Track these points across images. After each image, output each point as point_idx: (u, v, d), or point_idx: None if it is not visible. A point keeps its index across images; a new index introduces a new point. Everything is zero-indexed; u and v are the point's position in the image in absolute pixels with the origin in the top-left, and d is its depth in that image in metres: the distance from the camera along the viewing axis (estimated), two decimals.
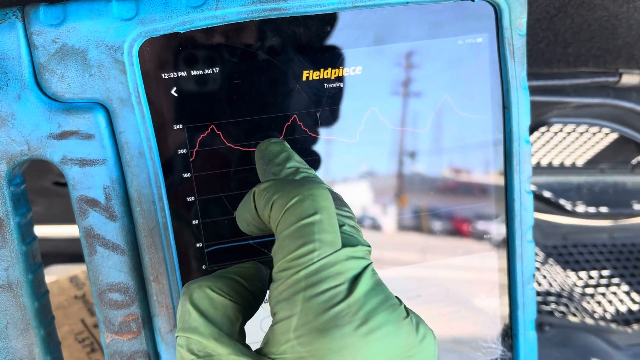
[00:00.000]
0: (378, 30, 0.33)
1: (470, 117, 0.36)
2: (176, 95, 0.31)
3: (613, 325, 0.60)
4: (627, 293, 0.67)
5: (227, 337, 0.23)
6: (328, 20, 0.32)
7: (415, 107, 0.35)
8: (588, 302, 0.64)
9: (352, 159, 0.34)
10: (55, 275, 0.61)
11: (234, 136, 0.32)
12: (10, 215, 0.30)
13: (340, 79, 0.33)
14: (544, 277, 0.68)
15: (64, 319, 0.55)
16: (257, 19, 0.30)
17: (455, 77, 0.35)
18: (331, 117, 0.33)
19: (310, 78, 0.32)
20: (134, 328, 0.32)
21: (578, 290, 0.67)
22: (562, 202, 0.75)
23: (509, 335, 0.39)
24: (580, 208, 0.76)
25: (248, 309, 0.25)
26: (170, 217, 0.32)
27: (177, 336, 0.23)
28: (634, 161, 0.75)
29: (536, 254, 0.72)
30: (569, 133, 0.69)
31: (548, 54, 0.52)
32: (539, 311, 0.60)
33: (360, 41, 0.33)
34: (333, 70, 0.33)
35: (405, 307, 0.23)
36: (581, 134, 0.70)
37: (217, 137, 0.32)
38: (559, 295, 0.64)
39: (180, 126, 0.31)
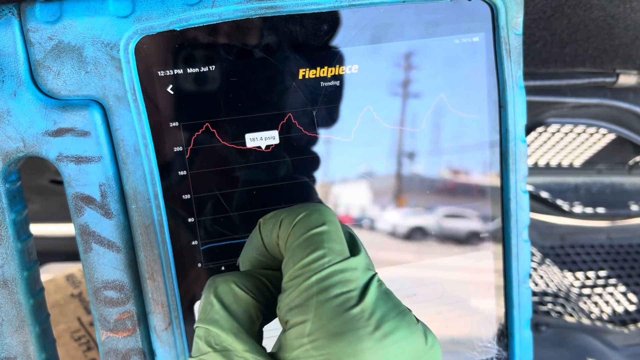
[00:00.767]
0: (374, 29, 0.33)
1: (466, 116, 0.36)
2: (172, 92, 0.31)
3: (610, 326, 0.60)
4: (624, 294, 0.67)
5: (245, 334, 0.23)
6: (325, 19, 0.32)
7: (411, 106, 0.35)
8: (585, 303, 0.65)
9: (347, 158, 0.34)
10: (51, 273, 0.61)
11: (229, 134, 0.32)
12: (6, 212, 0.30)
13: (336, 77, 0.33)
14: (541, 277, 0.68)
15: (60, 317, 0.55)
16: (253, 17, 0.30)
17: (451, 76, 0.35)
18: (327, 116, 0.33)
19: (307, 76, 0.33)
20: (129, 326, 0.32)
21: (575, 290, 0.67)
22: (559, 202, 0.76)
23: (505, 334, 0.39)
24: (578, 209, 0.76)
25: (269, 312, 0.25)
26: (165, 214, 0.32)
27: (196, 327, 0.24)
28: (631, 162, 0.75)
29: (533, 255, 0.72)
30: (566, 133, 0.70)
31: (545, 54, 0.52)
32: (536, 311, 0.60)
33: (356, 40, 0.33)
34: (329, 69, 0.33)
35: (414, 315, 0.23)
36: (578, 134, 0.70)
37: (212, 135, 0.32)
38: (555, 295, 0.64)
39: (176, 124, 0.31)
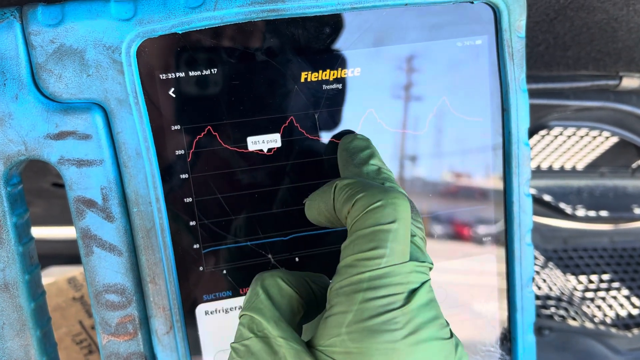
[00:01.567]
0: (377, 32, 0.33)
1: (469, 119, 0.36)
2: (174, 96, 0.31)
3: (613, 330, 0.60)
4: (628, 297, 0.67)
5: (285, 323, 0.24)
6: (327, 22, 0.32)
7: (414, 109, 0.35)
8: (588, 306, 0.64)
9: None
10: (53, 276, 0.60)
11: (231, 137, 0.32)
12: (7, 216, 0.30)
13: (339, 80, 0.33)
14: (544, 281, 0.68)
15: (61, 321, 0.54)
16: (255, 20, 0.30)
17: (454, 79, 0.35)
18: (329, 119, 0.33)
19: (309, 79, 0.32)
20: (130, 329, 0.32)
21: (578, 294, 0.66)
22: (562, 205, 0.75)
23: (508, 338, 0.39)
24: (581, 212, 0.76)
25: (309, 309, 0.26)
26: (167, 218, 0.31)
27: (241, 315, 0.25)
28: (634, 165, 0.75)
29: (536, 258, 0.72)
30: (569, 136, 0.69)
31: (548, 57, 0.52)
32: (539, 315, 0.60)
33: (359, 43, 0.33)
34: (332, 72, 0.33)
35: (450, 329, 0.24)
36: (581, 137, 0.69)
37: (213, 138, 0.32)
38: (558, 299, 0.64)
39: (177, 127, 0.31)
